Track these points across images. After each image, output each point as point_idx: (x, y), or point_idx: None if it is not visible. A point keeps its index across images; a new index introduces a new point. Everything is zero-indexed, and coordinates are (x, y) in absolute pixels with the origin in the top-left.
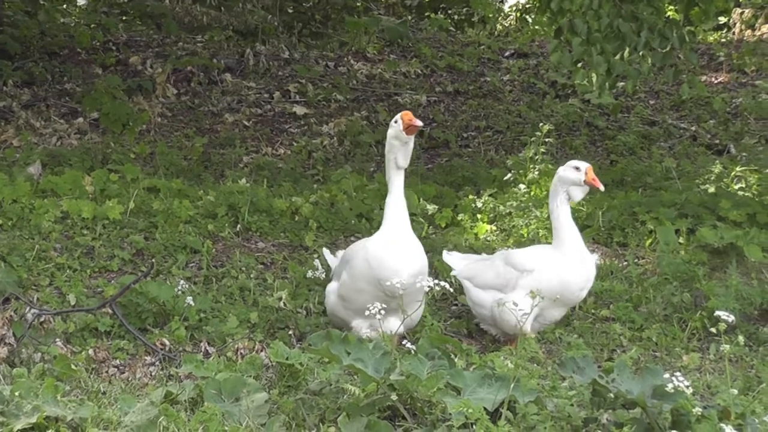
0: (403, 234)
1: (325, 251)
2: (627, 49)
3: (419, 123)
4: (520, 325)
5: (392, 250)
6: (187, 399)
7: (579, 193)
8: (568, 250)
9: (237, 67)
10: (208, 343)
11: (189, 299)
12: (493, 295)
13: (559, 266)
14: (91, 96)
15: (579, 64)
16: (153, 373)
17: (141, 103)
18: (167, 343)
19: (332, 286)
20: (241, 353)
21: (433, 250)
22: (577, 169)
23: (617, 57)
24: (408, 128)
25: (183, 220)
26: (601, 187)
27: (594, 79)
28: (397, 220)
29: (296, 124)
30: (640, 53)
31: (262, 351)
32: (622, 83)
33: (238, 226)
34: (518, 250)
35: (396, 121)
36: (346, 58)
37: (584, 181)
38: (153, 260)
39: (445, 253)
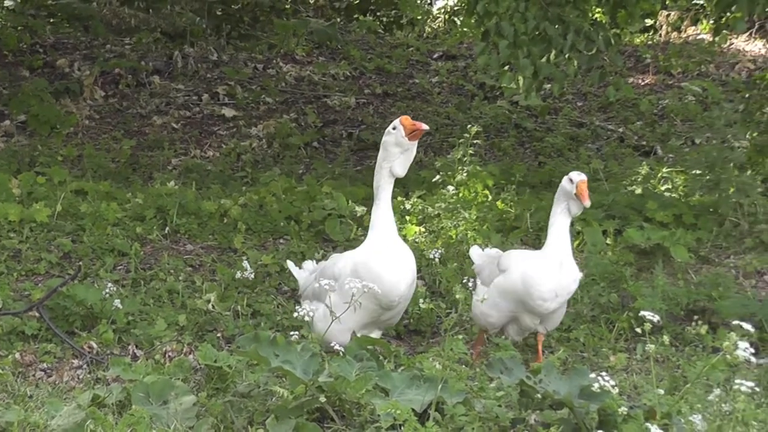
0: (394, 245)
1: (290, 264)
2: (553, 52)
3: (425, 126)
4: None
5: (387, 264)
6: (115, 402)
7: (575, 207)
8: (547, 257)
9: (165, 70)
10: (136, 346)
11: (117, 302)
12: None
13: (529, 271)
14: (18, 98)
15: (506, 67)
16: (80, 377)
17: (68, 106)
18: (95, 346)
19: (319, 311)
20: (169, 356)
21: None
22: (571, 181)
23: (543, 59)
24: (412, 133)
25: (111, 222)
26: (587, 203)
27: (521, 82)
28: (387, 231)
29: (225, 127)
30: (567, 56)
31: (190, 354)
32: (549, 85)
33: (167, 228)
34: (513, 250)
35: (395, 128)
36: (275, 60)
37: (574, 194)
38: (80, 263)
39: (473, 248)
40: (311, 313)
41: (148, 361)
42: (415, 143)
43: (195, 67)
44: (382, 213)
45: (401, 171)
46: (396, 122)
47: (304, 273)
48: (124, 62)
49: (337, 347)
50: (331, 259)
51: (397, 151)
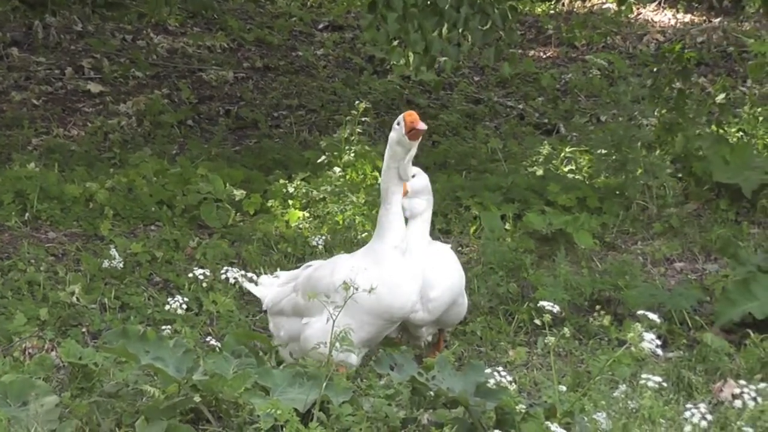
0: (404, 253)
1: (246, 283)
2: (446, 26)
3: (423, 126)
4: None
5: (396, 274)
6: None
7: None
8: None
9: (24, 41)
10: None
11: None
12: None
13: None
14: None
15: (395, 42)
16: None
17: None
18: None
19: (314, 327)
20: (29, 353)
21: (240, 239)
22: (398, 124)
23: (435, 34)
24: (411, 132)
25: None
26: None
27: (411, 58)
28: (396, 237)
29: (91, 103)
30: (460, 30)
31: (52, 350)
32: (443, 59)
33: (27, 214)
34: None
35: (398, 123)
36: (145, 31)
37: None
38: None
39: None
40: (281, 332)
41: (5, 358)
42: (416, 143)
43: (57, 38)
44: (393, 218)
45: (405, 174)
46: (400, 117)
47: (275, 284)
48: None
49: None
50: (314, 268)
51: (400, 151)
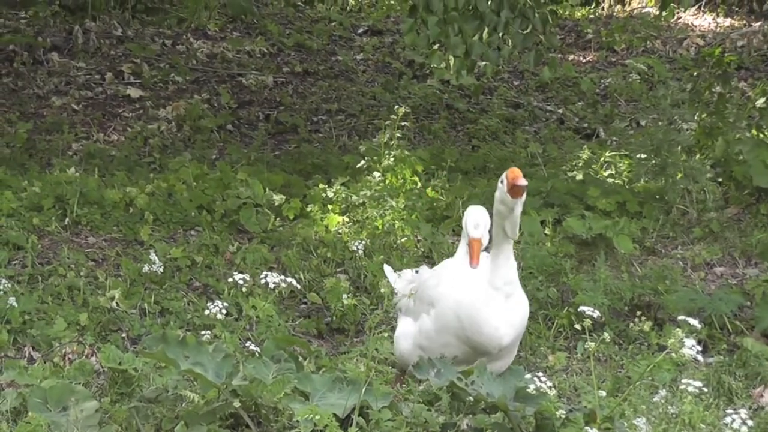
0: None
1: (387, 269)
2: (486, 30)
3: (524, 182)
4: None
5: (493, 314)
6: (9, 409)
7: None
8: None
9: (65, 46)
10: (33, 348)
11: (11, 300)
12: None
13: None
14: None
15: (435, 46)
16: None
17: None
18: None
19: (406, 329)
20: (69, 358)
21: (279, 244)
22: (501, 182)
23: (476, 38)
24: (512, 189)
25: (5, 213)
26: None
27: (452, 62)
28: (505, 279)
29: (130, 108)
30: (501, 35)
31: (92, 356)
32: (483, 63)
33: (67, 219)
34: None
35: (502, 181)
36: (184, 36)
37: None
38: None
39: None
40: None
41: (45, 363)
42: (520, 201)
43: (97, 43)
44: (503, 263)
45: (511, 232)
46: (503, 174)
47: (401, 282)
48: (19, 38)
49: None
50: (429, 273)
51: (504, 210)
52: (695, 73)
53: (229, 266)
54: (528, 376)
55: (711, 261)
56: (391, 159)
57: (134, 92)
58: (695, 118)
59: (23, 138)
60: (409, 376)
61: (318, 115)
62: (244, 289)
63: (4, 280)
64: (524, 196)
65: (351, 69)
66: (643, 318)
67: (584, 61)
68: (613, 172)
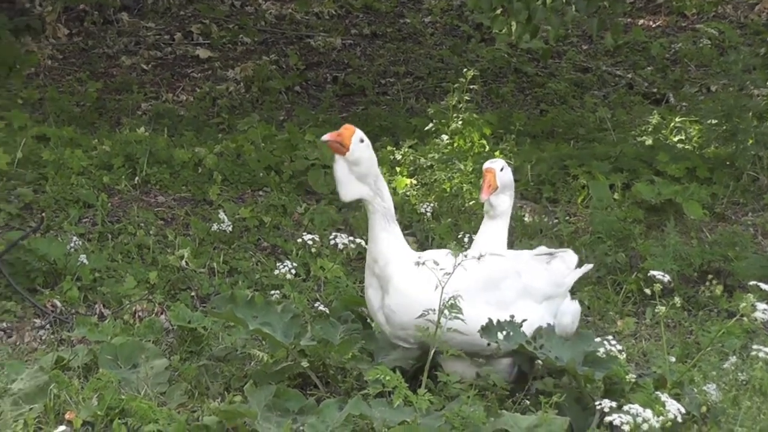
0: None
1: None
2: None
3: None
4: None
5: None
6: (80, 365)
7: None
8: None
9: (134, 6)
10: (104, 305)
11: (82, 257)
12: None
13: None
14: None
15: (498, 11)
16: (43, 337)
17: (29, 45)
18: (58, 304)
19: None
20: (139, 316)
21: (347, 206)
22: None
23: (539, 3)
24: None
25: (75, 171)
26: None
27: (514, 27)
28: None
29: (199, 69)
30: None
31: (161, 314)
32: (548, 27)
33: (136, 178)
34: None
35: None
36: None
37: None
38: (43, 215)
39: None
40: None
41: (116, 321)
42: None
43: (167, 3)
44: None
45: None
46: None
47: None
48: None
49: None
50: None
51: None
52: (767, 38)
53: (297, 227)
54: (598, 340)
55: None
56: (459, 122)
57: (203, 53)
58: (766, 83)
59: (93, 97)
60: None
61: (386, 77)
62: (312, 250)
63: (74, 238)
64: (353, 153)
65: (419, 31)
66: (714, 282)
67: (654, 25)
68: (683, 137)
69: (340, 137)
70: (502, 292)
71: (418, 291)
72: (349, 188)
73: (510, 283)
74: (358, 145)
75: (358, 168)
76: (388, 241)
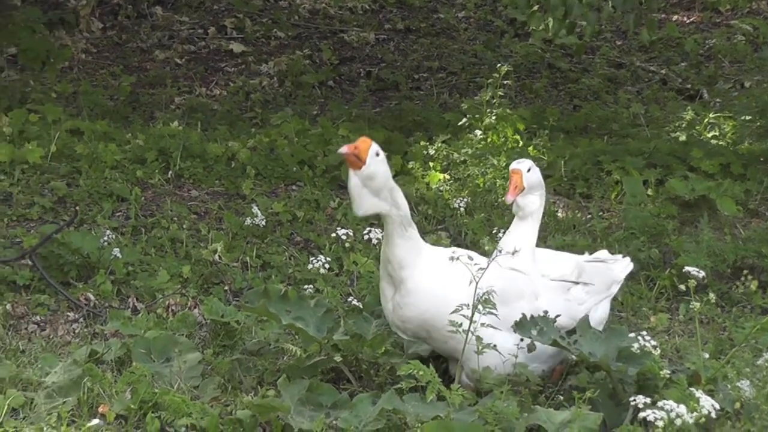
0: None
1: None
2: None
3: (344, 149)
4: None
5: None
6: (114, 358)
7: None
8: None
9: (168, 0)
10: (137, 299)
11: (116, 251)
12: None
13: None
14: (8, 29)
15: (535, 7)
16: (76, 331)
17: (63, 38)
18: (92, 298)
19: None
20: (172, 310)
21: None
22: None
23: None
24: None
25: (109, 165)
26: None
27: (551, 23)
28: None
29: (233, 63)
30: None
31: (195, 308)
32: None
33: (170, 172)
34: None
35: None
36: None
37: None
38: (76, 208)
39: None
40: None
41: (149, 314)
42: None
43: None
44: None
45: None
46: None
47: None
48: None
49: None
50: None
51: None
52: None
53: (330, 221)
54: (632, 335)
55: None
56: (493, 117)
57: (236, 47)
58: None
59: (127, 91)
60: None
61: (419, 72)
62: (346, 245)
63: (108, 231)
64: (368, 167)
65: (452, 26)
66: (749, 278)
67: (688, 21)
68: (717, 133)
69: (357, 150)
70: (510, 311)
71: (431, 291)
72: (364, 204)
73: (522, 305)
74: (374, 159)
75: (372, 183)
76: (403, 247)
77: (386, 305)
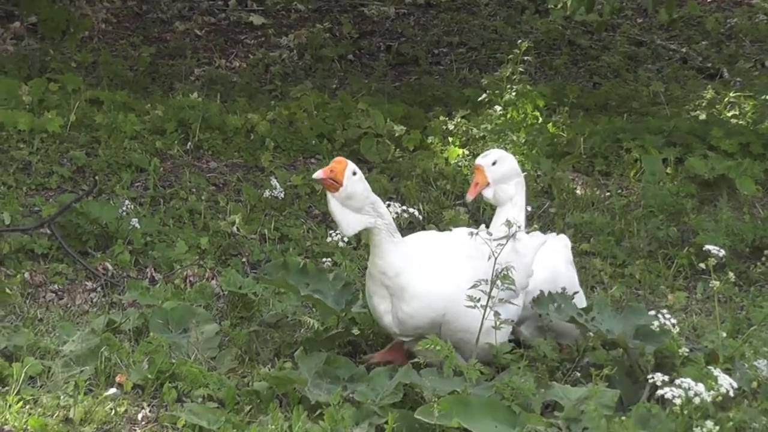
0: None
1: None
2: None
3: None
4: None
5: None
6: (131, 328)
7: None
8: None
9: None
10: (155, 269)
11: (134, 221)
12: None
13: None
14: None
15: None
16: (94, 300)
17: (83, 8)
18: (110, 267)
19: None
20: (190, 281)
21: (399, 175)
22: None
23: None
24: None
25: (128, 135)
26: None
27: (569, 1)
28: None
29: (253, 35)
30: None
31: (212, 279)
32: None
33: (189, 143)
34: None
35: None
36: None
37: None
38: (95, 178)
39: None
40: None
41: (167, 285)
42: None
43: None
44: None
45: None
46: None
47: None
48: None
49: None
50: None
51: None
52: None
53: None
54: (651, 313)
55: None
56: (513, 93)
57: (257, 19)
58: None
59: (146, 62)
60: None
61: (439, 47)
62: None
63: (126, 202)
64: (346, 189)
65: (473, 2)
66: None
67: (709, 0)
68: (737, 112)
69: (332, 173)
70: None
71: (437, 290)
72: (350, 223)
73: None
74: (351, 179)
75: (352, 202)
76: (395, 252)
77: (382, 319)
